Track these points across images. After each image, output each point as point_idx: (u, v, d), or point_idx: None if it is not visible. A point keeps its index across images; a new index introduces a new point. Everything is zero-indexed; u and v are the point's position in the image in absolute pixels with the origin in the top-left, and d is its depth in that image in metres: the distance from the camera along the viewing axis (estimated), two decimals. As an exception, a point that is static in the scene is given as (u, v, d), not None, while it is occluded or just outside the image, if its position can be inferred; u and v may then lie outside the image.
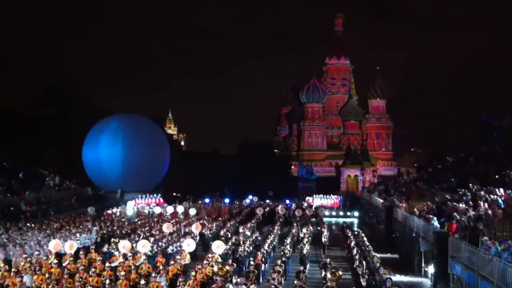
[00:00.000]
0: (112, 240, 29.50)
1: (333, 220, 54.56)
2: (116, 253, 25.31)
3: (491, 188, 29.49)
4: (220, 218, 43.98)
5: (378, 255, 27.25)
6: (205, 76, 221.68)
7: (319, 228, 40.58)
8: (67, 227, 34.35)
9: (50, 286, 19.19)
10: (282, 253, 27.67)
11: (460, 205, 27.62)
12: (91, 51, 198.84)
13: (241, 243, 30.22)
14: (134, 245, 26.13)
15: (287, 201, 60.77)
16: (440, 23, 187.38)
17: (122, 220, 41.57)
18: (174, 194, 67.07)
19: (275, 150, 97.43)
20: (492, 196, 27.24)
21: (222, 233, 34.94)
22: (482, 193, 28.75)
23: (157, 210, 49.32)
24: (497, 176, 33.35)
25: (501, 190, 28.09)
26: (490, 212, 24.57)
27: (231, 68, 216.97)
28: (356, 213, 58.39)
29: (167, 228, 33.74)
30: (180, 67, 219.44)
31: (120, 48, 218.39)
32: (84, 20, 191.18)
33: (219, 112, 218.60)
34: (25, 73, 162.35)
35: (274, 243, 32.36)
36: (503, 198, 26.37)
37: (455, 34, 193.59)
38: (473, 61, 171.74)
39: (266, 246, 29.32)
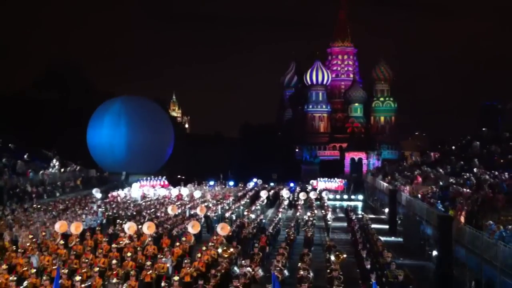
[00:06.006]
0: (117, 222, 29.72)
1: (337, 203, 54.71)
2: (122, 234, 25.48)
3: (495, 172, 29.54)
4: (224, 201, 44.16)
5: (381, 239, 27.38)
6: (207, 60, 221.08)
7: (323, 211, 40.75)
8: (73, 209, 34.57)
9: (56, 267, 19.35)
10: (286, 235, 27.83)
11: (464, 189, 27.68)
12: (92, 36, 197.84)
13: (246, 225, 30.40)
14: (139, 226, 26.32)
15: (291, 184, 60.95)
16: (437, 8, 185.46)
17: (128, 202, 41.81)
18: (179, 176, 67.27)
19: (278, 133, 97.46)
20: (496, 180, 27.28)
21: (227, 215, 35.12)
22: (487, 177, 28.79)
23: (162, 192, 49.52)
24: (502, 160, 33.34)
25: (506, 174, 28.12)
26: (493, 196, 24.64)
27: (233, 52, 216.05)
28: (360, 197, 58.55)
29: (172, 210, 33.94)
30: (182, 52, 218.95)
31: (121, 33, 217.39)
32: (84, 5, 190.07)
33: (222, 95, 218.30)
34: (24, 58, 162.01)
35: (279, 226, 32.53)
36: (507, 182, 26.40)
37: (454, 19, 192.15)
38: (471, 47, 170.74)
39: (270, 229, 29.49)
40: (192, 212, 35.95)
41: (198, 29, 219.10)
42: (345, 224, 37.98)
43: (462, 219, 23.39)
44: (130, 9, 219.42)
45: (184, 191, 49.41)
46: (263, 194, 48.95)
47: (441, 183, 33.98)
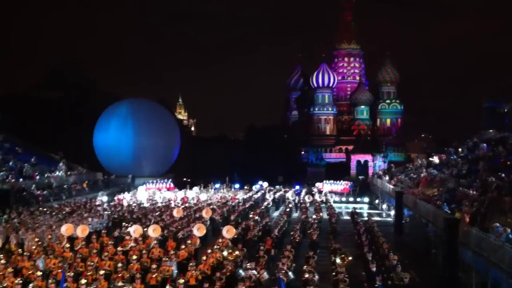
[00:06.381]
0: (123, 225, 29.77)
1: (343, 206, 54.58)
2: (127, 237, 25.52)
3: (501, 174, 29.40)
4: (230, 203, 44.15)
5: (387, 241, 27.29)
6: (209, 61, 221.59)
7: (328, 213, 40.67)
8: (79, 212, 34.65)
9: (62, 270, 19.39)
10: (291, 238, 27.78)
11: (471, 191, 27.59)
12: (95, 37, 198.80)
13: (251, 228, 30.37)
14: (145, 229, 26.35)
15: (297, 187, 60.85)
16: (438, 8, 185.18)
17: (133, 205, 41.87)
18: (185, 179, 67.34)
19: (284, 135, 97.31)
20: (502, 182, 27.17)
21: (232, 218, 35.10)
22: (493, 179, 28.66)
23: (168, 195, 49.54)
24: (508, 163, 33.16)
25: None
26: (500, 198, 24.54)
27: (236, 53, 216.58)
28: (366, 199, 58.38)
29: (177, 213, 33.97)
30: (187, 53, 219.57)
31: (124, 34, 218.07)
32: (87, 7, 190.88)
33: (225, 96, 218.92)
34: (27, 59, 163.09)
35: (284, 228, 32.48)
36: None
37: (450, 19, 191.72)
38: (468, 46, 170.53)
39: (276, 232, 29.45)
40: (197, 215, 35.96)
41: (200, 30, 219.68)
42: (350, 226, 37.89)
43: (467, 221, 23.32)
44: (133, 9, 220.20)
45: (190, 194, 49.45)
46: (269, 196, 48.91)
47: (447, 185, 33.86)
